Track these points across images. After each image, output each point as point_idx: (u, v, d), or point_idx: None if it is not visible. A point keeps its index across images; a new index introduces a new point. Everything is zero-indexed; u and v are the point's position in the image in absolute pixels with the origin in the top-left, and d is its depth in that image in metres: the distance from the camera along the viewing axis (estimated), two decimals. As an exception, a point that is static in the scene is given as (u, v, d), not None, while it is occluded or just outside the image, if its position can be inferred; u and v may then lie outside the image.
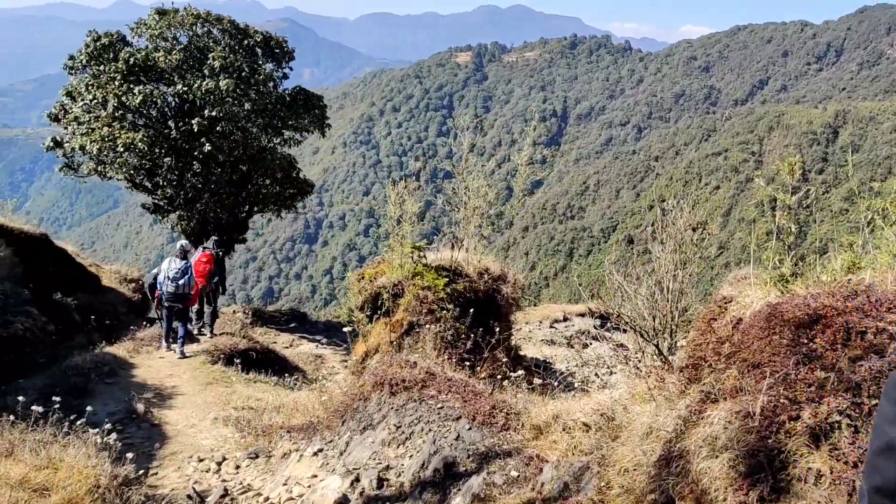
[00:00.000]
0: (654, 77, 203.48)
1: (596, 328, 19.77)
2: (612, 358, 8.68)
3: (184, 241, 13.41)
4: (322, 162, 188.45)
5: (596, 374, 9.35)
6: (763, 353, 4.15)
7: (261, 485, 7.04)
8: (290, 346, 19.06)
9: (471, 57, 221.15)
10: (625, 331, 8.04)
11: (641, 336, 7.85)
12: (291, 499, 6.16)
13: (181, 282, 12.30)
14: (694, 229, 7.40)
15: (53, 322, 12.76)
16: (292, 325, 20.82)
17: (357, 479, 6.09)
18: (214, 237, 15.51)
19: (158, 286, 12.49)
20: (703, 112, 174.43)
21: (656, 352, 7.27)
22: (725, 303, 6.19)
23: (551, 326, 22.08)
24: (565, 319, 22.83)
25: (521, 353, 16.25)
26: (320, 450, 7.19)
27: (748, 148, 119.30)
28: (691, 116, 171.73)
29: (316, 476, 6.66)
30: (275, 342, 18.68)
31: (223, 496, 6.34)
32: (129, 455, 6.09)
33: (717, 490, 3.51)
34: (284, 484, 6.59)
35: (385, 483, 6.08)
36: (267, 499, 6.33)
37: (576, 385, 7.17)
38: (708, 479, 3.64)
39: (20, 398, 6.53)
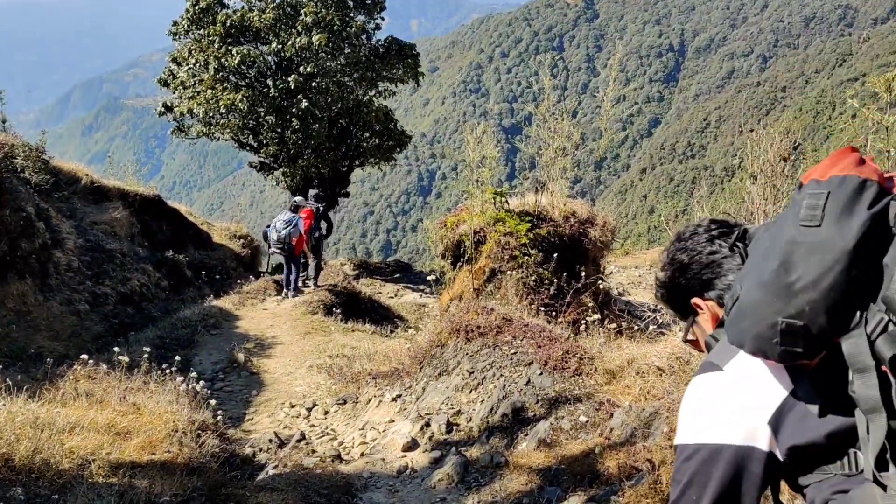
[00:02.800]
0: (781, 1, 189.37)
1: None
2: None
3: (298, 198, 14.34)
4: (433, 113, 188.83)
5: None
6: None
7: (343, 429, 7.24)
8: (395, 295, 19.40)
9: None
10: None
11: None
12: (364, 443, 6.29)
13: (283, 232, 13.17)
14: (785, 160, 6.83)
15: (166, 278, 13.56)
16: (397, 275, 21.19)
17: (427, 424, 6.13)
18: (315, 191, 15.96)
19: (268, 235, 13.50)
20: (838, 35, 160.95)
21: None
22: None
23: (663, 269, 21.25)
24: (677, 262, 21.98)
25: (624, 297, 15.85)
26: (399, 395, 7.29)
27: (890, 70, 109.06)
28: (823, 41, 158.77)
29: (392, 421, 6.77)
30: (379, 292, 19.08)
31: (300, 440, 6.55)
32: (212, 402, 6.38)
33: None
34: (361, 429, 6.74)
35: (454, 428, 6.09)
36: (341, 443, 6.50)
37: (651, 328, 6.87)
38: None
39: (116, 349, 6.96)
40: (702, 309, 1.56)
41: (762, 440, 1.30)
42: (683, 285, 1.59)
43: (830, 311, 1.18)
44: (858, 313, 1.19)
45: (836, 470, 1.26)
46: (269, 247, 13.85)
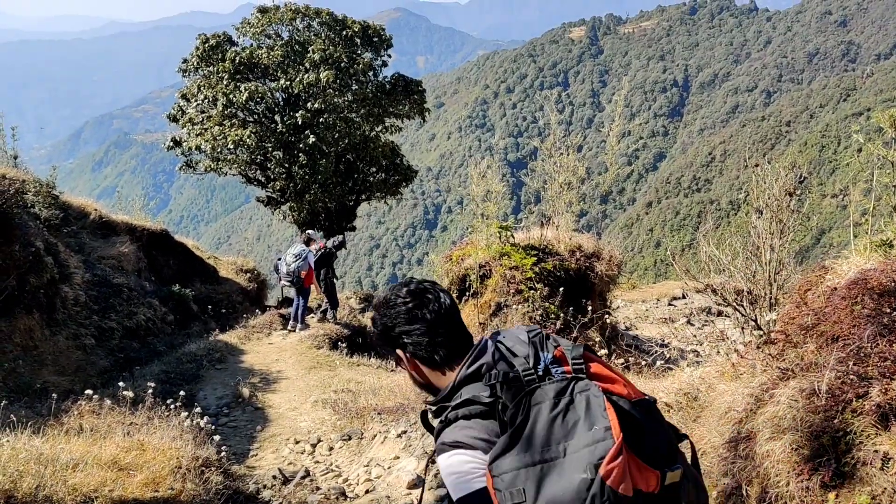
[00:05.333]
0: (784, 37, 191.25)
1: (718, 304, 18.87)
2: (708, 335, 8.22)
3: (311, 231, 14.46)
4: (439, 147, 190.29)
5: (696, 353, 8.90)
6: (842, 325, 3.74)
7: (348, 466, 7.16)
8: (401, 329, 19.36)
9: (585, 31, 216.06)
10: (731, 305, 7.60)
11: (737, 310, 7.40)
12: (369, 479, 6.22)
13: (293, 266, 13.13)
14: (791, 194, 6.83)
15: (173, 312, 13.56)
16: (403, 309, 21.15)
17: (433, 461, 6.06)
18: (340, 237, 15.76)
19: (278, 267, 13.57)
20: (841, 70, 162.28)
21: (755, 326, 6.81)
22: (824, 272, 5.71)
23: (670, 304, 21.27)
24: (684, 296, 21.96)
25: (631, 332, 15.77)
26: (404, 431, 7.22)
27: (894, 105, 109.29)
28: (827, 76, 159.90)
29: (398, 458, 6.70)
30: (385, 326, 19.04)
31: (304, 476, 6.49)
32: (216, 438, 6.33)
33: (779, 475, 3.19)
34: (366, 465, 6.67)
35: (460, 465, 6.02)
36: (346, 480, 6.43)
37: (659, 363, 6.82)
38: (770, 463, 3.33)
39: (121, 384, 6.94)
40: (402, 359, 2.06)
41: None
42: (388, 339, 2.07)
43: None
44: None
45: None
46: (280, 279, 13.91)
